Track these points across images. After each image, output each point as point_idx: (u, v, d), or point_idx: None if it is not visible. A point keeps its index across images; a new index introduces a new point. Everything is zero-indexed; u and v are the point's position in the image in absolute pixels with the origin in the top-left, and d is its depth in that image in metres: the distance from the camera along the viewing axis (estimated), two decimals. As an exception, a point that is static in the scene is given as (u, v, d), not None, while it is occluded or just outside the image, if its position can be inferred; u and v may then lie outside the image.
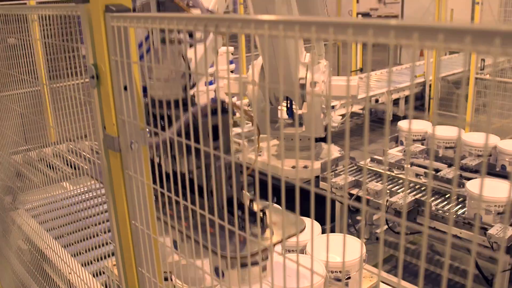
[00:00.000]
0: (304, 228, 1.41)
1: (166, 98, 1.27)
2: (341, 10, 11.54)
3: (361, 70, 8.26)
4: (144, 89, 1.44)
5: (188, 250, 1.06)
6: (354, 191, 3.23)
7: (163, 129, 1.00)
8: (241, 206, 1.34)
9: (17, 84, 2.58)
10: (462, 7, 9.26)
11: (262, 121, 3.98)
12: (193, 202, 0.94)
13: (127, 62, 0.88)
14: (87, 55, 0.95)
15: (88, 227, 2.74)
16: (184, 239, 1.07)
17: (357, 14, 8.65)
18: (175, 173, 1.41)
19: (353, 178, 3.30)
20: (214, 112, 1.21)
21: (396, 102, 7.06)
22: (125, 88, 0.91)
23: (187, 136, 0.92)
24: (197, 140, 0.92)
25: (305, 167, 4.05)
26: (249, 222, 1.32)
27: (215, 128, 1.13)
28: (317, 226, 2.74)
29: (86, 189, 2.30)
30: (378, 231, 3.76)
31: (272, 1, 2.98)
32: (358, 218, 4.01)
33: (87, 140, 2.12)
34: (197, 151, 0.93)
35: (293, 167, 4.06)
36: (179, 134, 0.97)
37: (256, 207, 1.37)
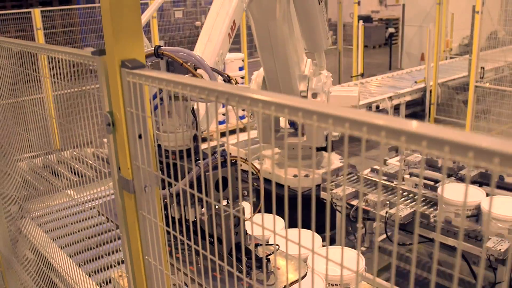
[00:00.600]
0: (306, 274, 1.50)
1: (176, 149, 1.39)
2: (342, 13, 11.62)
3: (362, 75, 8.31)
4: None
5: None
6: (354, 202, 3.29)
7: (174, 178, 1.11)
8: (246, 251, 1.42)
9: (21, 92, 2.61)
10: (462, 11, 9.31)
11: (265, 130, 4.04)
12: (202, 248, 1.01)
13: (142, 115, 0.94)
14: (103, 103, 1.01)
15: (94, 236, 2.78)
16: (196, 283, 1.15)
17: (358, 17, 8.71)
18: (185, 219, 1.53)
19: (353, 189, 3.36)
20: (222, 164, 1.33)
21: (396, 107, 7.10)
22: (140, 137, 0.98)
23: (197, 187, 1.01)
24: (201, 190, 1.01)
25: (306, 176, 4.11)
26: (255, 268, 1.41)
27: (223, 179, 1.25)
28: (318, 237, 2.80)
29: (91, 197, 2.33)
30: (378, 239, 3.82)
31: (274, 18, 3.04)
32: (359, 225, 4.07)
33: (91, 147, 2.16)
34: (204, 200, 1.02)
35: (295, 175, 4.12)
36: (190, 185, 1.06)
37: (261, 252, 1.46)
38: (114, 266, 2.51)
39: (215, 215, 1.41)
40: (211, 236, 1.48)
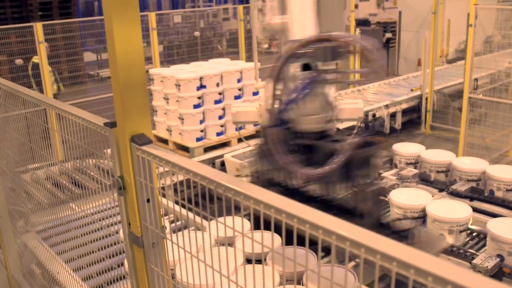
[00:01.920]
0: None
1: (312, 130, 1.78)
2: (340, 17, 11.63)
3: (359, 82, 8.41)
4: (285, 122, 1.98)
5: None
6: (349, 218, 3.40)
7: (308, 159, 1.58)
8: (389, 226, 1.81)
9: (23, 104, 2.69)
10: (459, 16, 9.42)
11: None
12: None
13: (150, 186, 1.05)
14: (115, 168, 1.13)
15: (98, 250, 2.86)
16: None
17: (356, 21, 8.81)
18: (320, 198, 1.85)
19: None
20: (364, 145, 1.74)
21: (393, 114, 7.21)
22: (148, 201, 1.09)
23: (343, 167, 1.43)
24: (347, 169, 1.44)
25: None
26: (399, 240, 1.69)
27: (363, 160, 1.67)
28: (312, 256, 2.87)
29: (95, 210, 2.40)
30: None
31: None
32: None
33: (94, 159, 2.24)
34: (348, 178, 1.51)
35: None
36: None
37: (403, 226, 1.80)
38: (119, 280, 2.60)
39: (358, 192, 1.69)
40: (352, 213, 1.73)
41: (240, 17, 7.38)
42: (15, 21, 11.54)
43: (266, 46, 15.71)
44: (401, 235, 1.87)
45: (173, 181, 5.22)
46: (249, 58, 9.29)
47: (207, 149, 5.23)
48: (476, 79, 5.35)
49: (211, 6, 17.50)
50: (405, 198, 3.21)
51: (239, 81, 5.45)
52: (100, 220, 3.24)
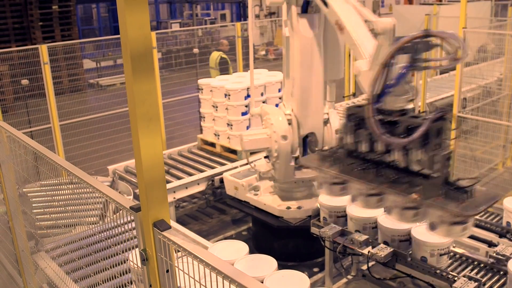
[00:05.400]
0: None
1: (396, 108, 2.34)
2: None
3: (354, 94, 8.64)
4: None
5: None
6: (341, 240, 3.64)
7: (393, 131, 2.27)
8: (451, 184, 2.33)
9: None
10: (453, 25, 9.63)
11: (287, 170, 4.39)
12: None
13: (170, 263, 1.28)
14: (139, 243, 1.36)
15: (107, 269, 3.04)
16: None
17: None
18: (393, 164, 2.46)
19: (340, 228, 3.72)
20: (436, 120, 2.26)
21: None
22: (167, 271, 1.32)
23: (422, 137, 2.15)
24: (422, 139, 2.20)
25: (299, 207, 4.46)
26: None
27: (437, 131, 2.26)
28: (305, 279, 3.06)
29: (103, 228, 2.54)
30: (363, 267, 4.18)
31: None
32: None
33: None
34: (425, 146, 2.23)
35: (288, 207, 4.47)
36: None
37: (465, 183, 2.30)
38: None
39: (432, 157, 2.25)
40: (424, 175, 2.33)
41: (238, 34, 7.60)
42: (16, 30, 11.72)
43: (263, 53, 15.95)
44: (464, 191, 2.36)
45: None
46: (246, 67, 9.48)
47: (252, 152, 5.70)
48: (465, 98, 5.60)
49: (208, 15, 17.67)
50: (331, 200, 3.72)
51: (279, 90, 5.98)
52: (109, 238, 3.42)
